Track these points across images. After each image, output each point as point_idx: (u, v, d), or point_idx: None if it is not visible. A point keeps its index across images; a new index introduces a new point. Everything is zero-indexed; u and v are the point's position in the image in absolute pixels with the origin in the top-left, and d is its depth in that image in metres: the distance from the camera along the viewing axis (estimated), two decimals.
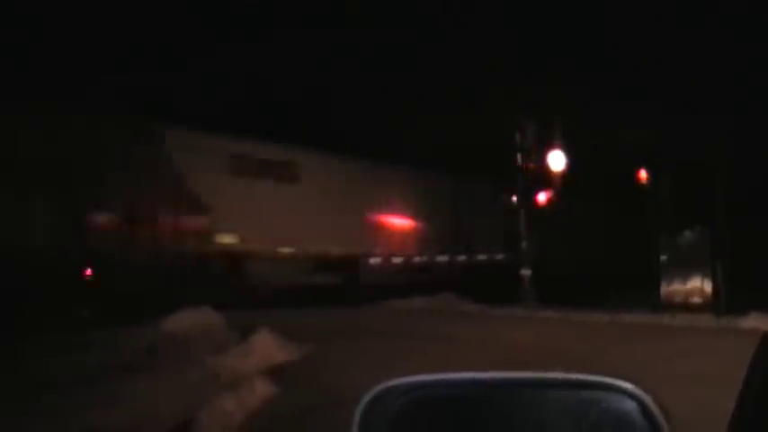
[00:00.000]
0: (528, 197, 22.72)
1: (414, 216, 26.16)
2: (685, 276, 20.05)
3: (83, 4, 20.78)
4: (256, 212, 19.90)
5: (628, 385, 1.50)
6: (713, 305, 18.45)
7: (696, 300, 19.55)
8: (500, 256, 27.59)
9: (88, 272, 16.71)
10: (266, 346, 10.39)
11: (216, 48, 22.79)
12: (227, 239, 19.62)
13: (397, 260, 25.24)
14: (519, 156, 22.31)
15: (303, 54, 23.92)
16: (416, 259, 26.16)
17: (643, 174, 25.80)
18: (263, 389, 8.14)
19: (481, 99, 24.29)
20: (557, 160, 22.34)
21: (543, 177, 22.64)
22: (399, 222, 25.59)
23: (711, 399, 6.47)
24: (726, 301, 18.29)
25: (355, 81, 25.21)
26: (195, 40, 22.24)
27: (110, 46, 20.77)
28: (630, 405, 1.49)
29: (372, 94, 25.41)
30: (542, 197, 23.11)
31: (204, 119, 20.32)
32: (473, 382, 1.61)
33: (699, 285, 19.74)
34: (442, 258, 27.00)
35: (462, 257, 27.48)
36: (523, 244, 22.40)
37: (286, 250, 21.19)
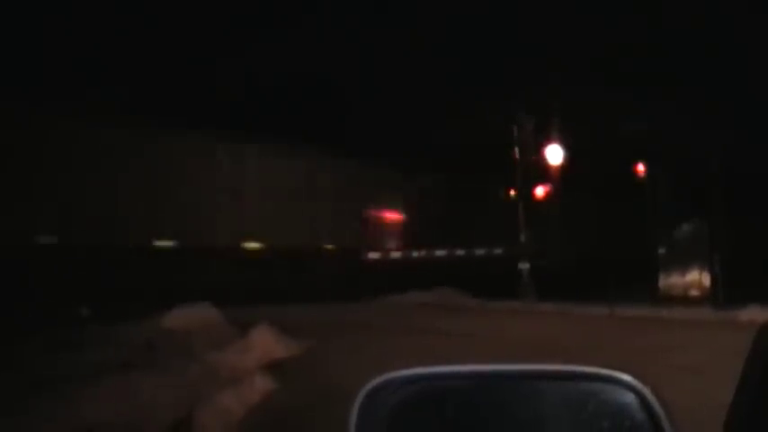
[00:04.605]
0: (526, 191, 22.74)
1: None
2: (684, 269, 20.09)
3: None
4: None
5: (626, 377, 1.50)
6: (711, 298, 18.49)
7: (694, 292, 19.59)
8: (498, 251, 27.58)
9: None
10: (265, 342, 10.39)
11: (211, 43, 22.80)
12: None
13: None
14: (517, 150, 22.32)
15: (295, 50, 23.92)
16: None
17: (641, 167, 25.80)
18: (262, 384, 8.15)
19: (478, 94, 24.27)
20: (554, 154, 22.35)
21: (541, 171, 22.65)
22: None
23: (708, 390, 6.49)
24: (724, 294, 18.33)
25: (352, 76, 25.21)
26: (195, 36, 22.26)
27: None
28: (629, 397, 1.49)
29: (368, 90, 25.40)
30: (540, 191, 23.14)
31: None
32: (471, 375, 1.61)
33: (697, 278, 19.79)
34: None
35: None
36: (522, 238, 22.42)
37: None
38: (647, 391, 1.47)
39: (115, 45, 20.91)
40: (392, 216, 25.60)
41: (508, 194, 24.06)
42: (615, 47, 23.17)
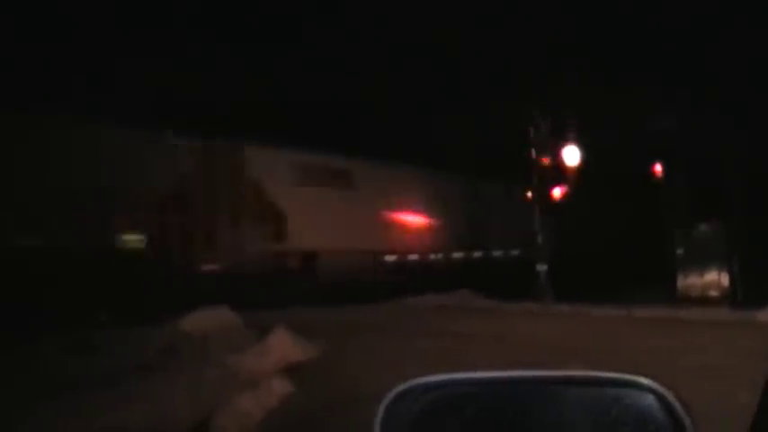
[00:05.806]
0: (542, 193, 22.61)
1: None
2: (702, 270, 19.96)
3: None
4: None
5: (647, 381, 1.50)
6: (730, 298, 18.36)
7: (713, 293, 19.47)
8: (516, 252, 27.55)
9: None
10: (283, 345, 10.40)
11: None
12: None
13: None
14: (533, 151, 22.22)
15: (314, 55, 24.01)
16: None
17: (658, 168, 25.66)
18: (280, 387, 8.17)
19: (495, 95, 24.23)
20: (572, 155, 22.21)
21: (558, 172, 22.51)
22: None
23: (728, 391, 6.46)
24: (743, 294, 18.20)
25: (369, 81, 25.24)
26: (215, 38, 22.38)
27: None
28: (651, 401, 1.49)
29: (386, 95, 25.43)
30: (557, 192, 22.98)
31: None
32: (494, 381, 1.62)
33: (716, 279, 19.66)
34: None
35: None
36: (539, 239, 22.32)
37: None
38: (669, 395, 1.48)
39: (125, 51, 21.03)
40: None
41: (525, 196, 23.97)
42: (636, 47, 23.08)
